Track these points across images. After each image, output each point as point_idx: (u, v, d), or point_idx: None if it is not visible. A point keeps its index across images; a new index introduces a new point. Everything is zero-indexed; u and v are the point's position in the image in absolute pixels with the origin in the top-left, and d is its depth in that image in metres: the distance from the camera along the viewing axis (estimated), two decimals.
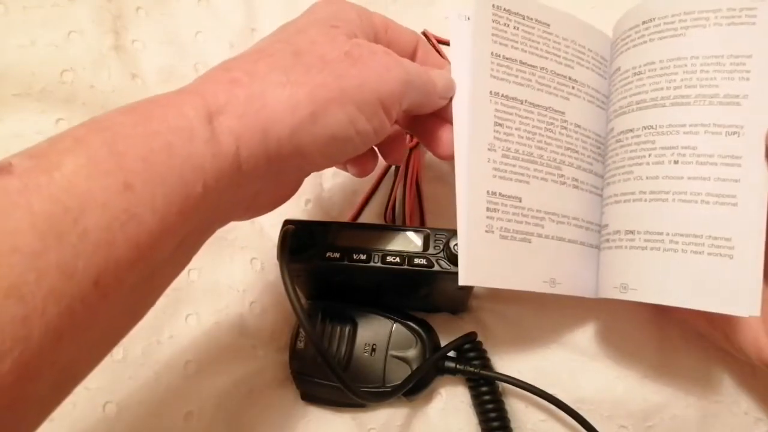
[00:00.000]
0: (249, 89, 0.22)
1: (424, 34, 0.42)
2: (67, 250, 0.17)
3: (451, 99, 0.30)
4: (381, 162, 0.39)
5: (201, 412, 0.34)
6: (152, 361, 0.34)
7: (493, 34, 0.31)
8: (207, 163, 0.21)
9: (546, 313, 0.37)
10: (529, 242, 0.31)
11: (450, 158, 0.30)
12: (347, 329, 0.34)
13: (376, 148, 0.33)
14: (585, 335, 0.36)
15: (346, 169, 0.33)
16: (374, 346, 0.34)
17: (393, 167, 0.40)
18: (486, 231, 0.30)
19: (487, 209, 0.30)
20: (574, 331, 0.37)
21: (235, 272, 0.38)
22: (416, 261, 0.31)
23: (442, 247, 0.31)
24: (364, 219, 0.40)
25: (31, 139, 0.37)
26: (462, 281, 0.29)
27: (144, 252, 0.19)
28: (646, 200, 0.30)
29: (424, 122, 0.31)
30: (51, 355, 0.17)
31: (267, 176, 0.24)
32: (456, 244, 0.30)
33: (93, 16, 0.40)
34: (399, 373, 0.34)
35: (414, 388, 0.33)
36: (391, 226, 0.38)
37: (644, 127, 0.31)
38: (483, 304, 0.38)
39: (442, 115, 0.31)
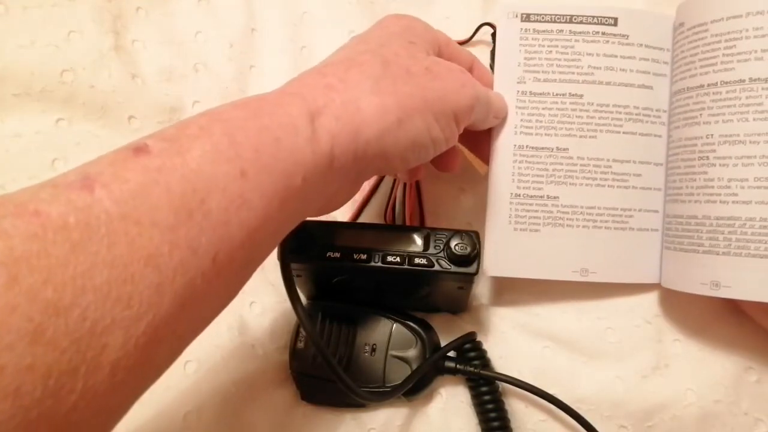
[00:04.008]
0: (344, 95, 0.25)
1: None
2: (194, 227, 0.19)
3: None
4: None
5: (201, 412, 0.34)
6: None
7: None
8: (307, 158, 0.23)
9: (546, 313, 0.37)
10: (557, 230, 0.33)
11: None
12: (347, 329, 0.34)
13: None
14: (585, 335, 0.36)
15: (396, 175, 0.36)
16: (374, 346, 0.34)
17: None
18: (509, 222, 0.32)
19: (511, 202, 0.32)
20: (574, 331, 0.37)
21: None
22: (416, 261, 0.31)
23: (442, 246, 0.31)
24: (364, 219, 0.40)
25: (31, 139, 0.38)
26: (489, 272, 0.30)
27: (252, 235, 0.21)
28: (730, 202, 0.30)
29: (476, 137, 0.35)
30: (174, 323, 0.19)
31: (349, 175, 0.26)
32: (457, 244, 0.30)
33: (93, 16, 0.40)
34: (399, 373, 0.34)
35: (414, 388, 0.33)
36: (391, 226, 0.38)
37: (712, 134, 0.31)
38: (483, 304, 0.38)
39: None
